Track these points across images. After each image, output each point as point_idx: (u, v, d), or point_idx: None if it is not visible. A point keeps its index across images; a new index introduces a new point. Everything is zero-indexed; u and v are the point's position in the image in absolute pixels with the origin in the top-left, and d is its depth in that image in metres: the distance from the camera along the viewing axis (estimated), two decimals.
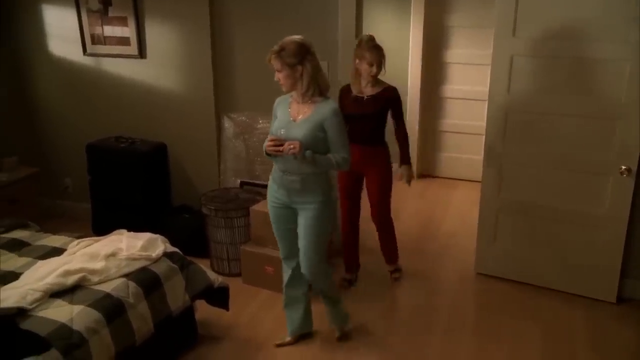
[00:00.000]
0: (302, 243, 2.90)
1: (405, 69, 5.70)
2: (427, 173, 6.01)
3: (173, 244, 3.18)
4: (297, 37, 2.73)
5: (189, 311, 3.09)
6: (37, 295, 2.55)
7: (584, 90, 3.37)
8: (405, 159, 3.71)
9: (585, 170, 3.46)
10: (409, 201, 5.40)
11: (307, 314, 3.22)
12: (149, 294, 2.78)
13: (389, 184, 3.70)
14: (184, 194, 4.48)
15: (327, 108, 2.74)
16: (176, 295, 2.94)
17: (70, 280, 2.68)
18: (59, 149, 4.79)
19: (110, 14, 4.21)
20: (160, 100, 4.33)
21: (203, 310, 3.27)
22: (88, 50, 4.39)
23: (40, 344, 2.27)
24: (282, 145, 2.67)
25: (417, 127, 5.79)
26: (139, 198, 4.24)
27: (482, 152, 3.78)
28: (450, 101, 5.76)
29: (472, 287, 3.84)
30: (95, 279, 2.73)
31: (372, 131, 3.53)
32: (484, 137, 3.75)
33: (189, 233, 4.03)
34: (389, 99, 3.54)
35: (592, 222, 3.50)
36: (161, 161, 4.37)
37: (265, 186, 4.10)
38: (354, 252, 3.88)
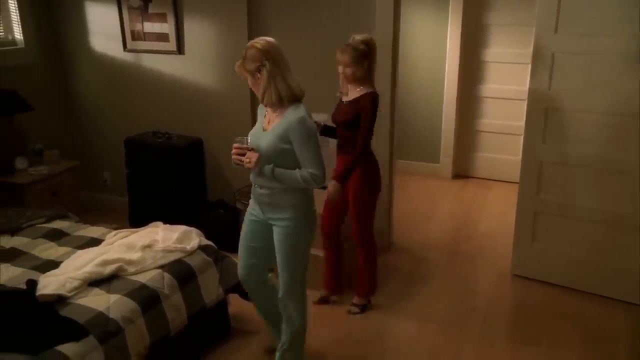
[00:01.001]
0: (279, 266, 2.65)
1: (443, 68, 5.63)
2: (463, 173, 5.93)
3: (208, 238, 3.20)
4: (262, 39, 2.49)
5: (222, 304, 3.11)
6: (76, 283, 2.60)
7: (626, 88, 3.27)
8: (337, 175, 3.18)
9: (627, 171, 3.36)
10: (443, 201, 5.33)
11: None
12: (183, 285, 2.81)
13: (367, 200, 3.31)
14: (219, 189, 4.52)
15: (292, 116, 2.44)
16: (210, 288, 2.96)
17: (108, 269, 2.72)
18: (98, 143, 4.89)
19: (150, 11, 4.27)
20: (197, 95, 4.38)
21: (236, 304, 3.28)
22: (128, 47, 4.47)
23: (79, 330, 2.31)
24: (243, 154, 2.43)
25: (453, 127, 5.72)
26: (175, 192, 4.30)
27: (520, 153, 3.70)
28: (488, 100, 5.67)
29: (509, 289, 3.76)
30: (131, 269, 2.78)
31: (349, 139, 3.21)
32: (521, 137, 3.68)
33: (223, 228, 4.06)
34: (359, 106, 3.15)
35: (634, 224, 3.39)
36: (197, 156, 4.41)
37: None
38: (334, 271, 3.53)
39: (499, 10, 5.39)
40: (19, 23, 4.44)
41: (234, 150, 2.47)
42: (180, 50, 4.29)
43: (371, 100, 3.14)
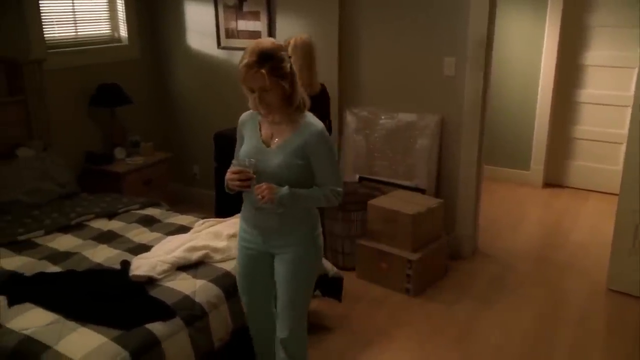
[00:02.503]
0: (281, 298, 2.27)
1: (537, 71, 5.39)
2: (555, 182, 5.64)
3: None
4: (267, 39, 2.15)
5: None
6: (165, 267, 2.70)
7: None
8: None
9: None
10: (532, 210, 5.10)
11: None
12: None
13: None
14: None
15: (311, 128, 2.12)
16: None
17: (195, 255, 2.81)
18: (190, 137, 5.08)
19: (245, 9, 4.39)
20: None
21: (315, 300, 3.29)
22: (222, 44, 4.61)
23: (166, 311, 2.40)
24: (248, 179, 2.06)
25: (546, 133, 5.46)
26: None
27: (621, 162, 3.47)
28: (586, 106, 5.36)
29: (603, 303, 3.53)
30: (217, 256, 2.85)
31: None
32: (623, 145, 3.44)
33: None
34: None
35: None
36: None
37: (385, 183, 4.11)
38: None
39: (602, 11, 5.09)
40: (125, 22, 4.70)
41: (233, 175, 2.07)
42: None
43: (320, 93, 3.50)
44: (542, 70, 5.37)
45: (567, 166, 5.57)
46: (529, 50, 5.39)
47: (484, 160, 4.14)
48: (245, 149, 2.21)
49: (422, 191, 3.96)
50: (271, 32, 4.34)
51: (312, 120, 2.16)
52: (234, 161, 2.17)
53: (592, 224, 4.69)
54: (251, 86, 2.04)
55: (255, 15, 4.36)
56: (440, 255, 3.80)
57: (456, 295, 3.61)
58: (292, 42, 3.43)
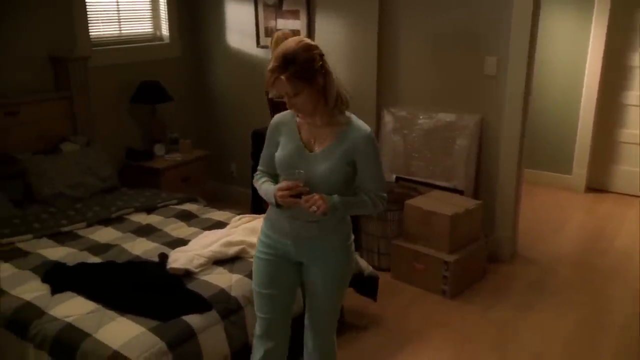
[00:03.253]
0: (316, 307, 2.18)
1: (582, 72, 5.24)
2: (598, 187, 5.47)
3: None
4: (294, 38, 1.95)
5: None
6: (202, 260, 2.72)
7: None
8: None
9: None
10: (574, 214, 4.97)
11: None
12: None
13: None
14: None
15: (357, 133, 1.98)
16: None
17: (232, 250, 2.83)
18: (227, 135, 5.13)
19: (284, 8, 4.41)
20: None
21: (350, 298, 3.26)
22: (261, 43, 4.64)
23: (203, 304, 2.42)
24: (301, 194, 1.92)
25: (590, 136, 5.31)
26: None
27: None
28: (634, 109, 5.19)
29: None
30: (253, 252, 2.81)
31: None
32: None
33: None
34: None
35: None
36: None
37: (422, 183, 4.06)
38: None
39: None
40: (167, 21, 4.79)
41: (284, 192, 1.93)
42: None
43: None
44: (587, 71, 5.22)
45: (612, 170, 5.41)
46: (574, 50, 5.25)
47: (524, 163, 4.05)
48: (283, 154, 2.03)
49: (460, 192, 3.90)
50: (310, 31, 4.34)
51: (358, 122, 2.03)
52: (259, 168, 2.11)
53: (638, 230, 4.53)
54: (279, 91, 1.94)
55: (294, 14, 4.38)
56: (478, 258, 3.73)
57: (494, 298, 3.54)
58: (274, 36, 3.51)
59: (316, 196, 1.90)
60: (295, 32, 3.79)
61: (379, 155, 2.05)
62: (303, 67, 1.86)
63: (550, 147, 5.52)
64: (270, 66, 1.89)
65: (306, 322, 2.25)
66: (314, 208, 1.89)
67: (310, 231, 2.05)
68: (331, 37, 4.29)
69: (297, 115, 2.04)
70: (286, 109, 2.06)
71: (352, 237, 2.18)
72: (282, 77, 1.86)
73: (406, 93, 4.16)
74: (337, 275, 2.13)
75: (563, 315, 3.35)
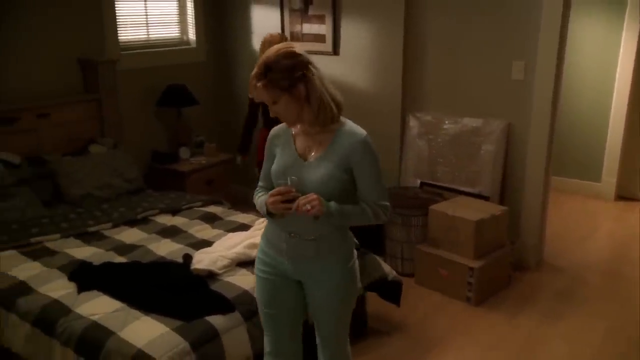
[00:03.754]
0: (323, 329, 2.11)
1: (612, 78, 5.15)
2: (629, 195, 5.35)
3: None
4: (278, 45, 1.92)
5: (360, 301, 3.08)
6: (226, 262, 2.73)
7: None
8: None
9: None
10: (603, 223, 4.87)
11: None
12: None
13: None
14: None
15: (352, 137, 1.92)
16: None
17: (255, 252, 2.79)
18: (252, 139, 5.14)
19: (310, 13, 4.42)
20: (348, 95, 4.35)
21: (373, 303, 3.25)
22: None
23: (226, 305, 2.42)
24: (294, 200, 1.84)
25: (620, 143, 5.20)
26: None
27: None
28: None
29: None
30: None
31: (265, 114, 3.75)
32: None
33: (364, 228, 4.03)
34: None
35: None
36: None
37: (447, 189, 4.02)
38: None
39: None
40: (194, 26, 4.84)
41: (276, 198, 1.85)
42: (335, 51, 4.37)
43: None
44: (617, 77, 5.12)
45: None
46: (604, 55, 5.16)
47: (552, 170, 3.98)
48: (278, 165, 1.98)
49: (485, 198, 3.85)
50: (335, 36, 4.35)
51: (353, 127, 1.95)
52: (259, 184, 2.03)
53: None
54: (258, 98, 1.91)
55: (320, 19, 4.39)
56: (503, 264, 3.67)
57: (520, 306, 3.47)
58: (263, 39, 3.79)
59: (313, 195, 1.82)
60: (283, 37, 3.91)
61: (377, 160, 1.94)
62: (281, 76, 1.83)
63: (579, 154, 5.42)
64: (252, 73, 1.88)
65: (316, 337, 2.18)
66: (308, 206, 1.80)
67: (307, 250, 1.97)
68: (356, 41, 4.28)
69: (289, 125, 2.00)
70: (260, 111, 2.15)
71: (354, 258, 2.08)
72: (259, 84, 1.85)
73: (432, 97, 4.13)
74: (337, 297, 2.04)
75: (592, 325, 3.27)
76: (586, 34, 5.20)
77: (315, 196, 1.82)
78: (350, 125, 1.97)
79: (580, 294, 3.64)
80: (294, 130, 2.00)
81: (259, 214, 3.49)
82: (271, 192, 1.90)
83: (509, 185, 3.94)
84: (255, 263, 2.13)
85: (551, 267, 4.00)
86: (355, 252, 2.11)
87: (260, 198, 2.05)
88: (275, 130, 2.07)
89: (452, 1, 3.90)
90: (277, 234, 2.01)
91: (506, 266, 3.72)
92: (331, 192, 1.89)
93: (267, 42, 3.74)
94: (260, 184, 2.13)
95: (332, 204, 1.88)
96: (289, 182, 1.87)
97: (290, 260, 2.00)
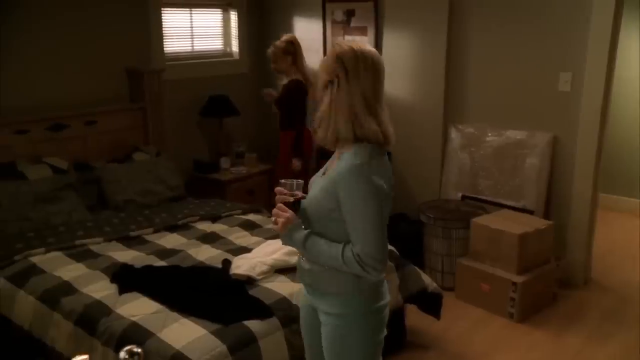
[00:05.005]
0: None
1: None
2: None
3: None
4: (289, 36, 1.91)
5: (399, 313, 3.03)
6: (265, 268, 2.72)
7: None
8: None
9: None
10: None
11: None
12: None
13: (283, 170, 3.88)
14: (402, 202, 4.44)
15: (343, 162, 1.66)
16: (390, 292, 2.90)
17: (294, 259, 2.79)
18: None
19: (352, 24, 4.44)
20: (390, 107, 4.32)
21: (413, 317, 3.19)
22: None
23: (265, 310, 2.41)
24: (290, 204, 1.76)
25: None
26: None
27: None
28: None
29: None
30: None
31: (281, 116, 4.09)
32: None
33: (404, 241, 3.96)
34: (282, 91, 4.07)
35: None
36: None
37: (490, 202, 3.93)
38: None
39: None
40: (237, 38, 4.92)
41: (277, 196, 1.77)
42: None
43: (285, 88, 4.00)
44: None
45: None
46: None
47: (600, 188, 3.84)
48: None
49: (530, 213, 3.75)
50: (378, 47, 4.34)
51: (356, 151, 1.66)
52: (281, 180, 1.88)
53: None
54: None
55: (362, 31, 4.39)
56: (548, 281, 3.55)
57: (566, 325, 3.35)
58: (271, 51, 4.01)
59: (287, 211, 1.70)
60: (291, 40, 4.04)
61: (367, 196, 1.61)
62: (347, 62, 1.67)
63: (628, 171, 5.24)
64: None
65: None
66: (274, 219, 1.72)
67: (304, 276, 1.81)
68: (398, 52, 4.27)
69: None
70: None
71: (374, 303, 1.74)
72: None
73: (474, 109, 4.07)
74: (338, 341, 1.74)
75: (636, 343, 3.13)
76: (632, 42, 5.05)
77: (288, 213, 1.70)
78: (355, 148, 1.67)
79: (629, 315, 3.49)
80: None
81: None
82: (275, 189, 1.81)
83: (555, 200, 3.82)
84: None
85: (599, 285, 3.85)
86: (372, 295, 1.74)
87: None
88: None
89: (497, 11, 3.85)
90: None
91: (551, 283, 3.60)
92: (317, 217, 1.70)
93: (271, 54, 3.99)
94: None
95: (303, 231, 1.70)
96: (294, 185, 1.77)
97: (301, 282, 1.88)
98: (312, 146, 4.11)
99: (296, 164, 4.00)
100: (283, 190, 1.76)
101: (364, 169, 1.62)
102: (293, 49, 3.97)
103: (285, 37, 4.00)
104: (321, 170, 1.82)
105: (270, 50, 3.99)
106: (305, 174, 3.89)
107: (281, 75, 4.11)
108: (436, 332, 3.23)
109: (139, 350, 1.26)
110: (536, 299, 3.45)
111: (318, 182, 1.76)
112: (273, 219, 1.75)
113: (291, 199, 1.74)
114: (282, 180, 1.80)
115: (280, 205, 1.74)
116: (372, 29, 4.32)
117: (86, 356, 1.18)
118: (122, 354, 1.26)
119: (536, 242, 3.43)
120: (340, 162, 1.67)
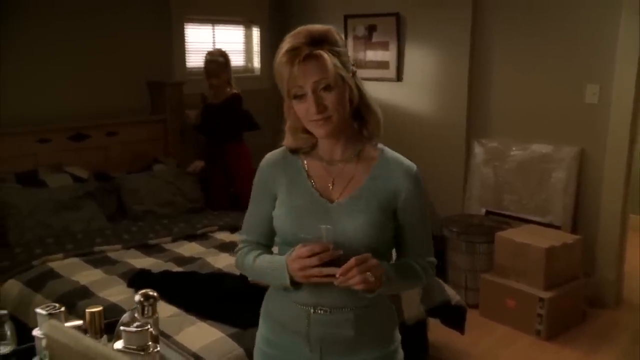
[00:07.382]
0: None
1: None
2: None
3: None
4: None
5: (422, 326, 2.93)
6: None
7: None
8: None
9: None
10: None
11: None
12: None
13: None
14: None
15: (399, 168, 1.39)
16: (411, 304, 2.81)
17: None
18: None
19: (374, 39, 4.43)
20: (412, 121, 4.35)
21: (435, 332, 3.08)
22: None
23: None
24: (332, 263, 1.23)
25: None
26: None
27: None
28: None
29: None
30: None
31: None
32: None
33: None
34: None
35: None
36: None
37: (515, 218, 3.83)
38: None
39: None
40: (259, 54, 4.95)
41: (307, 262, 1.24)
42: (399, 77, 4.34)
43: (230, 101, 3.99)
44: None
45: None
46: None
47: (630, 209, 3.72)
48: (288, 211, 1.36)
49: (556, 228, 3.64)
50: (399, 62, 4.32)
51: (395, 153, 1.42)
52: (243, 237, 1.45)
53: None
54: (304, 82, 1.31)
55: (384, 45, 4.38)
56: (577, 298, 3.43)
57: (596, 345, 3.21)
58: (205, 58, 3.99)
59: (368, 257, 1.24)
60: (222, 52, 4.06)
61: (427, 203, 1.51)
62: (342, 50, 1.34)
63: None
64: (295, 42, 1.29)
65: None
66: (369, 276, 1.23)
67: (344, 329, 1.35)
68: (421, 67, 4.25)
69: (302, 151, 1.41)
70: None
71: (399, 337, 1.49)
72: (319, 52, 1.26)
73: (498, 123, 4.00)
74: None
75: None
76: None
77: (374, 261, 1.25)
78: (389, 150, 1.43)
79: None
80: (305, 159, 1.41)
81: None
82: (297, 253, 1.27)
83: (582, 216, 3.71)
84: (254, 355, 1.56)
85: (632, 306, 3.69)
86: (398, 332, 1.49)
87: (259, 259, 1.42)
88: (272, 156, 1.44)
89: (521, 22, 3.80)
90: (291, 310, 1.38)
91: (580, 300, 3.47)
92: (374, 247, 1.31)
93: (208, 62, 3.95)
94: (245, 237, 1.48)
95: (386, 264, 1.33)
96: (324, 235, 1.24)
97: (318, 348, 1.37)
98: (249, 166, 3.91)
99: (198, 164, 4.01)
100: (323, 246, 1.24)
101: (418, 170, 1.42)
102: (228, 62, 3.99)
103: (217, 50, 4.04)
104: (309, 197, 1.36)
105: (210, 64, 3.92)
106: (237, 200, 3.88)
107: (216, 90, 4.00)
108: (460, 348, 3.12)
109: (154, 293, 1.23)
110: (564, 316, 3.32)
111: (347, 207, 1.34)
112: (338, 279, 1.23)
113: (340, 251, 1.25)
114: (305, 236, 1.29)
115: (352, 260, 1.23)
116: (394, 44, 4.31)
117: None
118: (137, 297, 1.24)
119: (564, 256, 3.32)
120: (388, 168, 1.37)
